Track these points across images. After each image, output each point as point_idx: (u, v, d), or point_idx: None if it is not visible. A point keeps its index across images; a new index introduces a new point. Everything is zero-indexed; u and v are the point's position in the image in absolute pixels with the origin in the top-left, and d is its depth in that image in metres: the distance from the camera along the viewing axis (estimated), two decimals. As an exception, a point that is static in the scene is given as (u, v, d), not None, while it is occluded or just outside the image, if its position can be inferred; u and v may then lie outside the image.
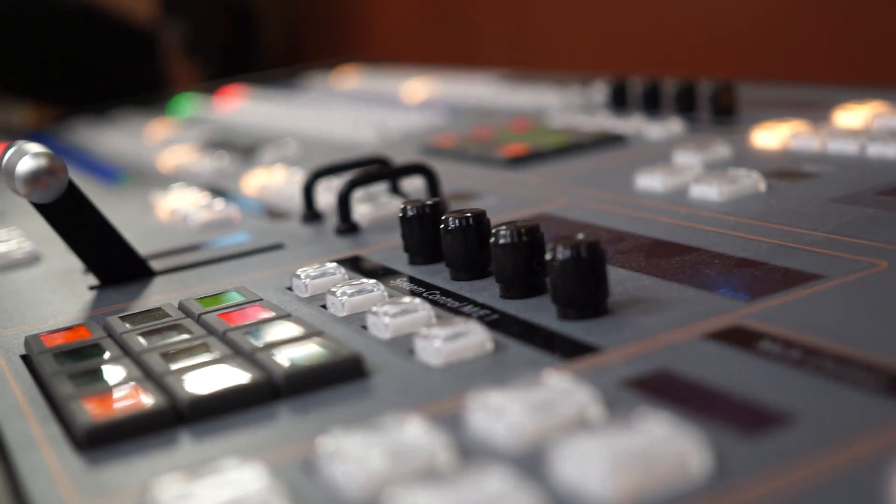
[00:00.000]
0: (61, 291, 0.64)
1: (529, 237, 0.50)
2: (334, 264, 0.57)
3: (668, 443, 0.32)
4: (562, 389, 0.37)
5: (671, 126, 0.87)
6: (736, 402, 0.37)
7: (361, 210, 0.70)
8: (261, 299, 0.53)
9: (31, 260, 0.73)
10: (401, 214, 0.58)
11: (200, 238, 0.74)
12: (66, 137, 1.55)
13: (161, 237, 0.76)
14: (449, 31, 2.13)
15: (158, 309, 0.54)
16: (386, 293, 0.52)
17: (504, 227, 0.50)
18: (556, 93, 1.14)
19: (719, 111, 0.90)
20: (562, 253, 0.46)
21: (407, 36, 2.31)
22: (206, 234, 0.75)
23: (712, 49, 1.46)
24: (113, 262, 0.63)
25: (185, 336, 0.48)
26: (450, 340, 0.44)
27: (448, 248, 0.54)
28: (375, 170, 0.70)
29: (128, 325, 0.51)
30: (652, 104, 0.98)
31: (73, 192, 0.60)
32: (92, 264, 0.63)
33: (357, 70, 1.77)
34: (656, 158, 0.78)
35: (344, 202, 0.68)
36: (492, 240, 0.50)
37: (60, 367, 0.47)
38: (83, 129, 1.59)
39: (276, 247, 0.68)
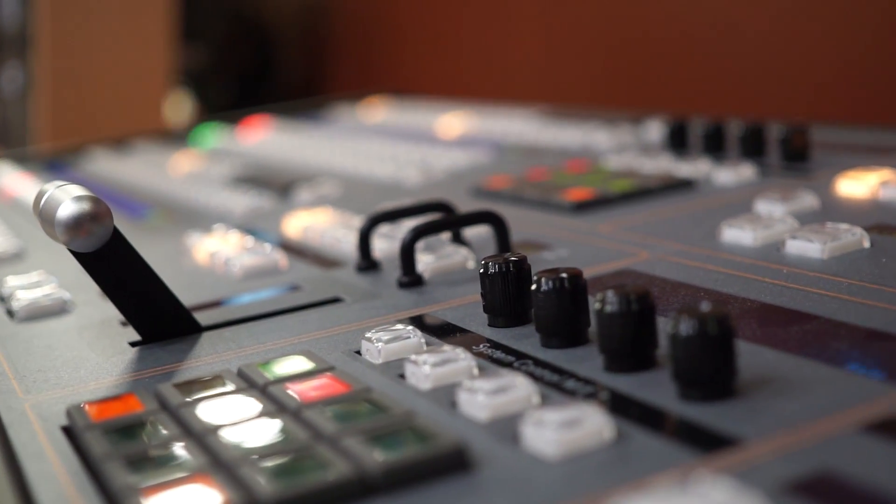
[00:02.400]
0: (99, 347, 0.58)
1: (641, 305, 0.44)
2: (410, 327, 0.51)
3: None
4: (721, 499, 0.31)
5: (742, 171, 0.81)
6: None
7: (423, 260, 0.64)
8: (333, 368, 0.47)
9: (62, 308, 0.67)
10: (481, 271, 0.53)
11: (244, 286, 0.69)
12: (82, 168, 1.50)
13: (201, 284, 0.71)
14: (476, 64, 2.08)
15: (217, 378, 0.48)
16: (475, 364, 0.46)
17: (611, 293, 0.44)
18: (606, 132, 1.08)
19: (791, 156, 0.85)
20: (687, 326, 0.40)
21: (430, 67, 2.26)
22: (250, 282, 0.69)
23: (765, 90, 1.41)
24: (157, 317, 0.57)
25: (253, 414, 0.42)
26: (566, 428, 0.38)
27: (540, 311, 0.49)
28: (442, 218, 0.64)
29: (185, 397, 0.45)
30: (715, 146, 0.92)
31: (117, 239, 0.54)
32: (134, 319, 0.57)
33: (384, 102, 1.71)
34: (735, 207, 0.72)
35: (408, 253, 0.62)
36: (597, 306, 0.45)
37: (113, 447, 0.41)
38: (101, 159, 1.53)
39: (334, 300, 0.62)
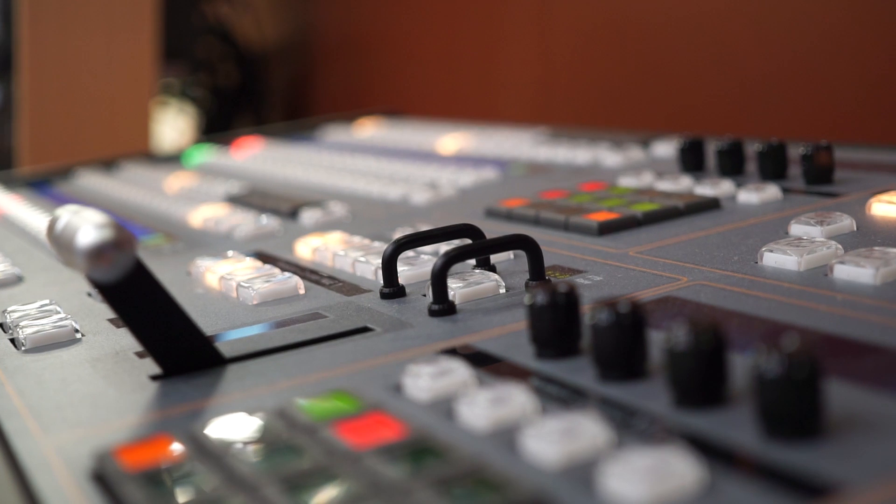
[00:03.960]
0: (117, 381, 0.55)
1: (715, 344, 0.41)
2: (457, 361, 0.48)
3: None
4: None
5: (767, 191, 0.79)
6: None
7: (451, 287, 0.61)
8: (380, 407, 0.44)
9: (71, 338, 0.64)
10: (529, 300, 0.50)
11: (261, 313, 0.65)
12: (70, 188, 1.46)
13: (214, 312, 0.67)
14: (464, 84, 2.06)
15: (256, 418, 0.45)
16: (534, 402, 0.43)
17: (680, 329, 0.42)
18: (613, 151, 1.06)
19: (815, 175, 0.82)
20: (775, 367, 0.38)
21: (419, 87, 2.24)
22: (267, 309, 0.66)
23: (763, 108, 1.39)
24: (179, 349, 0.54)
25: (306, 460, 0.39)
26: (653, 476, 0.35)
27: (599, 344, 0.46)
28: (474, 244, 0.62)
29: (226, 440, 0.42)
30: (733, 166, 0.90)
31: (139, 268, 0.51)
32: (155, 351, 0.54)
33: (377, 122, 1.69)
34: (767, 229, 0.70)
35: (440, 279, 0.59)
36: (666, 343, 0.42)
37: (155, 500, 0.37)
38: (89, 180, 1.50)
39: (363, 329, 0.59)
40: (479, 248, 0.61)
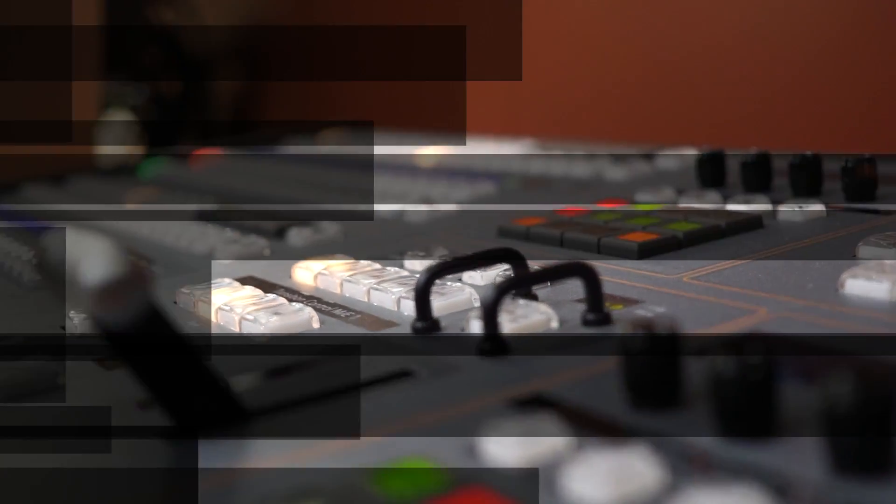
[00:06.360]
0: (124, 443, 0.46)
1: (881, 405, 0.34)
2: (547, 417, 0.40)
3: None
4: None
5: (812, 208, 0.73)
6: None
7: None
8: (481, 485, 0.36)
9: (52, 385, 0.55)
10: (625, 346, 0.42)
11: (273, 352, 0.57)
12: (17, 203, 1.36)
13: (217, 350, 0.59)
14: (429, 92, 1.99)
15: (314, 494, 0.36)
16: (664, 471, 0.36)
17: (844, 383, 0.34)
18: (615, 164, 1.00)
19: (856, 191, 0.76)
20: None
21: (372, 96, 2.16)
22: (278, 347, 0.58)
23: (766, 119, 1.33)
24: (196, 402, 0.46)
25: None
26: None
27: (722, 398, 0.38)
28: (527, 273, 0.54)
29: (288, 529, 0.34)
30: (760, 181, 0.83)
31: (153, 310, 0.43)
32: (170, 405, 0.45)
33: (342, 133, 1.60)
34: (829, 251, 0.64)
35: (492, 313, 0.51)
36: (826, 403, 0.35)
37: None
38: (38, 193, 1.40)
39: (404, 374, 0.51)
40: (534, 278, 0.54)
